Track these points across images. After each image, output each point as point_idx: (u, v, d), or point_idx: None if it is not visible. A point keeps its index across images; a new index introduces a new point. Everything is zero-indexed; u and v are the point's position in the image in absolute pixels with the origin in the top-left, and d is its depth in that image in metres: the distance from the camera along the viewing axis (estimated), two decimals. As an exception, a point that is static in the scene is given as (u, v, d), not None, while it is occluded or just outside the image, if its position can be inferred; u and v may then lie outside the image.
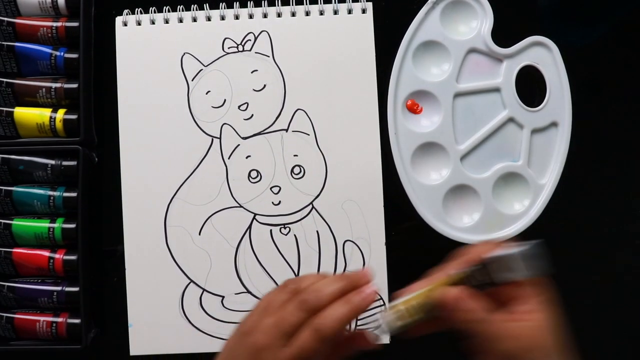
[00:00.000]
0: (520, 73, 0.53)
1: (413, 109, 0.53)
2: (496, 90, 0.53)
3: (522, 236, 0.52)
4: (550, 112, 0.52)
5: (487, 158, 0.53)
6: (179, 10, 0.54)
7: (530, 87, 0.53)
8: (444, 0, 0.52)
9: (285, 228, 0.53)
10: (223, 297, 0.53)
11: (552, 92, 0.52)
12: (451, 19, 0.53)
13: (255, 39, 0.53)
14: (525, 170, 0.52)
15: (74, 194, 0.52)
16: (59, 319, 0.51)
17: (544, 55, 0.52)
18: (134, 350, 0.53)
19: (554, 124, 0.53)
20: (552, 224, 0.53)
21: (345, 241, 0.53)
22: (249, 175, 0.53)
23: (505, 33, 0.53)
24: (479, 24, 0.53)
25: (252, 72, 0.53)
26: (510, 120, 0.53)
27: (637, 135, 0.55)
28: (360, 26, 0.53)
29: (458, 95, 0.53)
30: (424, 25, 0.53)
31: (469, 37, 0.53)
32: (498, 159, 0.53)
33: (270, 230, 0.53)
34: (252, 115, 0.53)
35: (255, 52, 0.54)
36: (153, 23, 0.54)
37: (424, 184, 0.53)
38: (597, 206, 0.52)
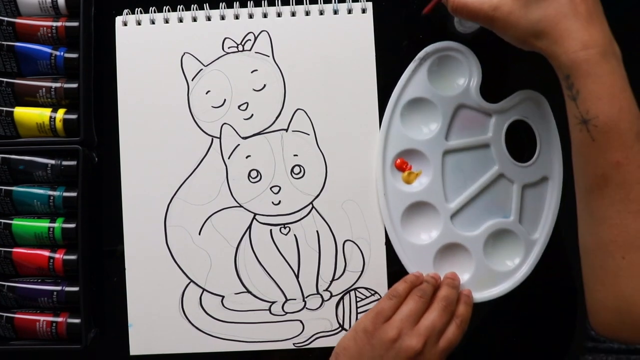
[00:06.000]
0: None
1: (402, 168, 0.52)
2: (486, 146, 0.52)
3: (514, 292, 0.51)
4: (541, 167, 0.52)
5: (477, 215, 0.52)
6: (179, 10, 0.54)
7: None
8: (431, 56, 0.51)
9: (285, 228, 0.53)
10: (223, 297, 0.53)
11: (543, 146, 0.52)
12: (439, 74, 0.52)
13: (255, 38, 0.53)
14: (516, 227, 0.51)
15: (74, 194, 0.52)
16: (59, 319, 0.51)
17: (533, 109, 0.52)
18: (134, 350, 0.53)
19: (544, 179, 0.52)
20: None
21: (345, 241, 0.53)
22: (249, 175, 0.53)
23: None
24: (467, 79, 0.51)
25: (252, 72, 0.53)
26: (501, 176, 0.52)
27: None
28: (360, 26, 0.53)
29: (447, 152, 0.52)
30: (412, 83, 0.52)
31: (457, 92, 0.51)
32: (489, 215, 0.52)
33: (270, 230, 0.53)
34: (252, 115, 0.53)
35: (255, 52, 0.54)
36: (153, 23, 0.54)
37: (415, 243, 0.52)
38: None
